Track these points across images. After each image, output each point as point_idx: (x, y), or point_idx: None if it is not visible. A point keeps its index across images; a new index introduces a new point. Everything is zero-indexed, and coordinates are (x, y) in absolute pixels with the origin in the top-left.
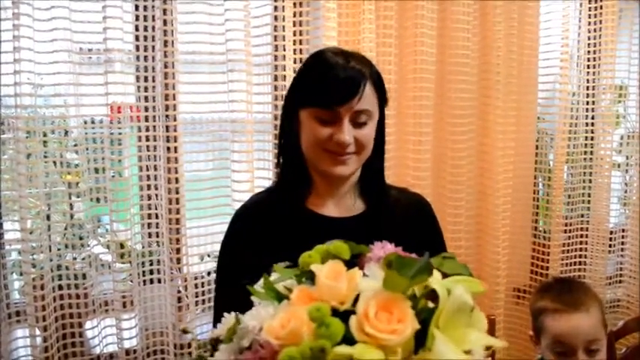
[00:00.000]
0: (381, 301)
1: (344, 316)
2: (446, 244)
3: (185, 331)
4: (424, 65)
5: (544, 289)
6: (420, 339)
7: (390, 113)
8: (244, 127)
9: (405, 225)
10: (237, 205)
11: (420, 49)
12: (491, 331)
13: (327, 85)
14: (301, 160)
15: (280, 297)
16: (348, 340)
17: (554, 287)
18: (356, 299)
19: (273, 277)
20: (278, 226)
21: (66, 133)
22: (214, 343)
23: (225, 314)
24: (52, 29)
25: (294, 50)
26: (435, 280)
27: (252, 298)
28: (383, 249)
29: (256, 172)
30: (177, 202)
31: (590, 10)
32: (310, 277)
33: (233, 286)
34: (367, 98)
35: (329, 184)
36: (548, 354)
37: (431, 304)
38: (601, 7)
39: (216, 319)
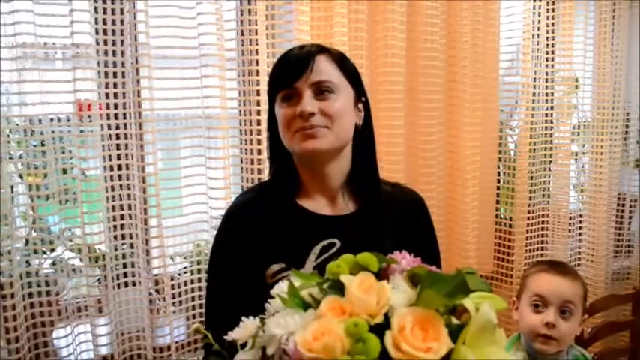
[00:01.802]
0: (416, 317)
1: (375, 330)
2: (438, 245)
3: (198, 331)
4: (395, 59)
5: (539, 262)
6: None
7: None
8: (219, 123)
9: (398, 222)
10: (213, 203)
11: (390, 43)
12: None
13: (283, 65)
14: (288, 157)
15: (306, 305)
16: (383, 356)
17: (549, 261)
18: (386, 313)
19: (297, 282)
20: (270, 225)
21: (32, 133)
22: (230, 347)
23: (244, 318)
24: (14, 23)
25: (267, 44)
26: (465, 298)
27: (270, 301)
28: (404, 260)
29: (232, 169)
30: (150, 202)
31: (547, 5)
32: (337, 287)
33: (227, 287)
34: (324, 70)
35: (314, 178)
36: (524, 308)
37: (455, 320)
38: (554, 3)
39: (210, 321)
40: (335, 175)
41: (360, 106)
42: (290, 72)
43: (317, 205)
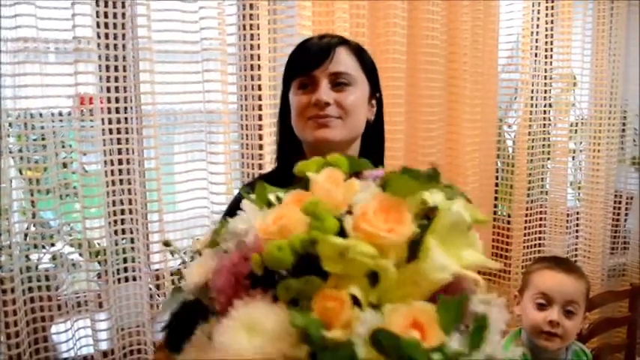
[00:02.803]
0: (380, 203)
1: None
2: None
3: (167, 244)
4: (396, 55)
5: (543, 258)
6: (413, 253)
7: None
8: (220, 118)
9: None
10: (214, 198)
11: (391, 39)
12: None
13: (303, 53)
14: (297, 144)
15: (272, 205)
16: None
17: (554, 258)
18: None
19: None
20: None
21: (32, 127)
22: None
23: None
24: (15, 15)
25: (269, 39)
26: (434, 196)
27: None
28: (380, 171)
29: (234, 164)
30: (150, 197)
31: (547, 2)
32: (304, 186)
33: None
34: (343, 61)
35: None
36: (528, 304)
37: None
38: (553, 1)
39: None
40: None
41: (374, 101)
42: (310, 60)
43: None
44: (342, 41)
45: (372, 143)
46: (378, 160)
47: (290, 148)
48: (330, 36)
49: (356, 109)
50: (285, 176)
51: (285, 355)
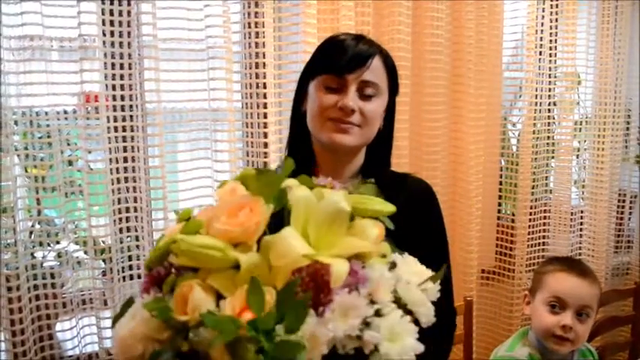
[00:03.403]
0: (234, 201)
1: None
2: (446, 235)
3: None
4: (401, 53)
5: (556, 259)
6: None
7: None
8: (226, 116)
9: (404, 211)
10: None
11: (396, 37)
12: (469, 312)
13: (340, 52)
14: (307, 140)
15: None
16: None
17: (566, 259)
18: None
19: None
20: None
21: (37, 125)
22: None
23: None
24: (21, 13)
25: (274, 37)
26: (291, 185)
27: None
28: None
29: (239, 162)
30: (155, 195)
31: (551, 1)
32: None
33: None
34: (376, 72)
35: (331, 165)
36: (540, 307)
37: None
38: None
39: None
40: (350, 166)
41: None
42: (346, 63)
43: None
44: (379, 50)
45: (380, 147)
46: (385, 163)
47: (302, 140)
48: (367, 41)
49: (375, 119)
50: (300, 169)
51: (150, 336)
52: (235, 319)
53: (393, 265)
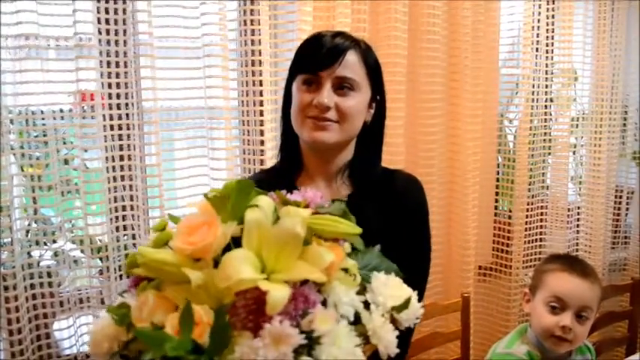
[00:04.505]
0: (192, 220)
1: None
2: (429, 227)
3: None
4: (397, 50)
5: (557, 257)
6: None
7: None
8: (222, 114)
9: (391, 204)
10: None
11: (392, 34)
12: (466, 309)
13: (313, 51)
14: (295, 139)
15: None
16: None
17: (568, 258)
18: None
19: None
20: None
21: (33, 123)
22: None
23: None
24: (17, 11)
25: (270, 35)
26: (256, 205)
27: None
28: (303, 195)
29: (236, 160)
30: (152, 193)
31: None
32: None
33: None
34: (351, 67)
35: (317, 161)
36: (540, 306)
37: None
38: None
39: None
40: (336, 162)
41: (373, 104)
42: (319, 60)
43: (315, 186)
44: (354, 44)
45: (368, 144)
46: (373, 159)
47: (292, 141)
48: (343, 36)
49: (354, 114)
50: (288, 168)
51: (116, 337)
52: (166, 336)
53: (362, 289)
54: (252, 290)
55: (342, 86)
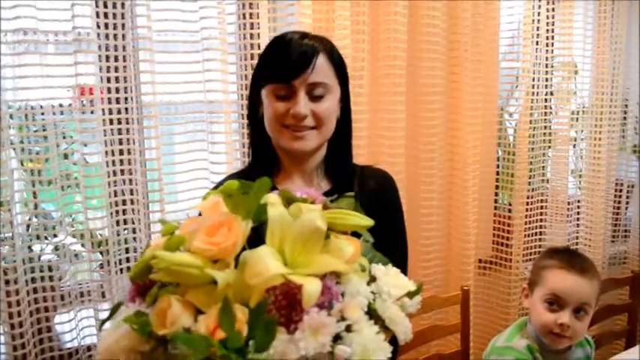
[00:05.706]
0: (214, 220)
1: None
2: (404, 218)
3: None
4: (397, 44)
5: (556, 252)
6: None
7: (364, 91)
8: (221, 108)
9: (368, 198)
10: None
11: (392, 28)
12: (466, 302)
13: (282, 59)
14: (267, 140)
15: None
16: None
17: (566, 252)
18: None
19: None
20: None
21: (33, 118)
22: None
23: None
24: (15, 6)
25: (269, 28)
26: (271, 202)
27: None
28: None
29: (235, 154)
30: (151, 187)
31: None
32: None
33: None
34: (322, 71)
35: (294, 161)
36: (538, 303)
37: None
38: None
39: None
40: (312, 160)
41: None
42: (290, 68)
43: (293, 185)
44: (320, 45)
45: (340, 136)
46: (344, 154)
47: (262, 143)
48: (309, 37)
49: (330, 117)
50: (264, 170)
51: (133, 348)
52: (207, 337)
53: (372, 279)
54: (280, 286)
55: (316, 92)
